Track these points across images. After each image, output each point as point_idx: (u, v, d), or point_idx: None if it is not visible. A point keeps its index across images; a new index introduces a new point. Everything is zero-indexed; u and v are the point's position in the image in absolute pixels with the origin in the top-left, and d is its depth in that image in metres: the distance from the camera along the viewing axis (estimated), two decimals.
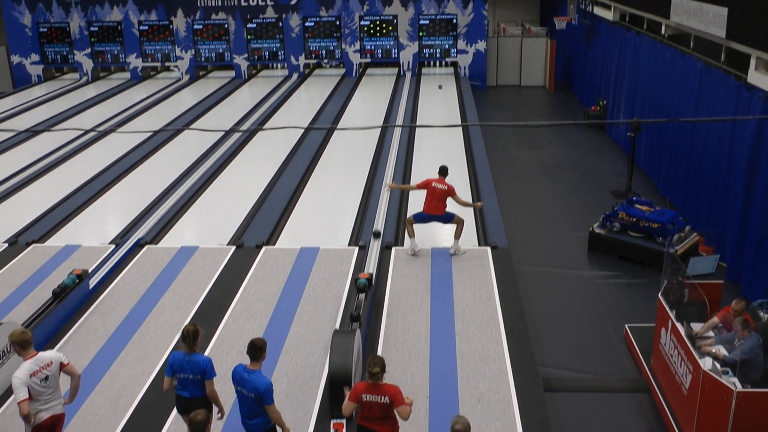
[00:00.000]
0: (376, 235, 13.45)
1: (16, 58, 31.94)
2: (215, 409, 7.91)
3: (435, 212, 13.01)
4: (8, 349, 9.47)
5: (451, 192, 12.96)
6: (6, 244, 14.30)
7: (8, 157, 20.49)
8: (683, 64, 15.82)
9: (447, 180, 13.15)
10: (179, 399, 7.92)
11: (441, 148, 20.12)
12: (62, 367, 7.68)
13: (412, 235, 13.24)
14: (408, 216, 13.64)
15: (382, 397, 7.20)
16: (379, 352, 10.22)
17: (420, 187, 13.23)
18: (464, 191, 16.47)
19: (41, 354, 7.60)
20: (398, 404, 7.21)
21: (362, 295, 11.02)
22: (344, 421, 8.48)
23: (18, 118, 24.72)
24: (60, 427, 7.78)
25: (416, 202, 15.69)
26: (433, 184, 13.00)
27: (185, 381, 7.78)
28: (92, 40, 31.66)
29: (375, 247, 13.51)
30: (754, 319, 9.25)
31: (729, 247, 13.00)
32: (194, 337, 7.72)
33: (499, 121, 24.48)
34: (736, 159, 12.93)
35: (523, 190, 17.75)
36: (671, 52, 16.70)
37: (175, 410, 8.98)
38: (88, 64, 32.00)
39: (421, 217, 13.19)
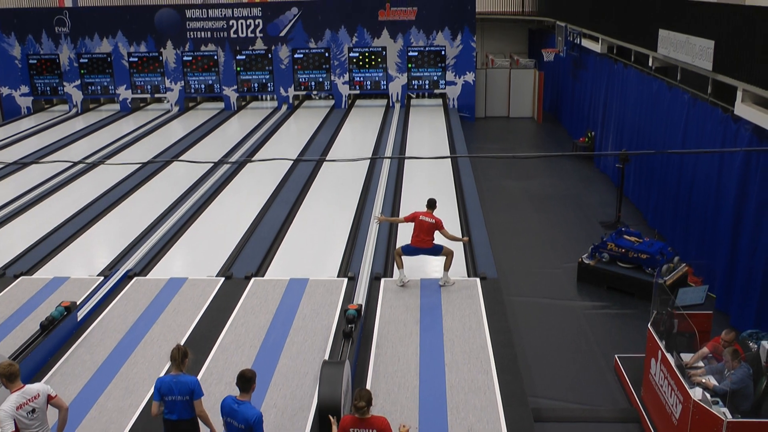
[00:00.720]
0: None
1: (5, 90, 31.96)
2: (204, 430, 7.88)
3: (423, 245, 12.96)
4: None
5: (438, 225, 12.88)
6: None
7: None
8: (670, 96, 16.00)
9: (435, 213, 13.13)
10: (166, 423, 7.94)
11: (430, 179, 20.18)
12: (50, 399, 7.61)
13: (400, 266, 13.21)
14: (396, 248, 13.61)
15: (370, 431, 7.17)
16: (369, 383, 10.18)
17: (407, 220, 13.21)
18: (453, 222, 16.50)
19: (28, 386, 7.53)
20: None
21: (351, 326, 10.98)
22: None
23: (7, 150, 24.68)
24: None
25: (405, 233, 15.73)
26: (421, 217, 12.94)
27: (173, 403, 7.80)
28: (82, 71, 31.76)
29: (364, 280, 13.50)
30: (744, 350, 9.26)
31: (718, 278, 13.05)
32: (183, 357, 7.84)
33: (487, 153, 24.61)
34: (724, 190, 13.02)
35: (512, 221, 17.81)
36: (658, 84, 16.89)
37: None
38: (77, 96, 32.06)
39: (409, 250, 13.14)
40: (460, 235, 14.14)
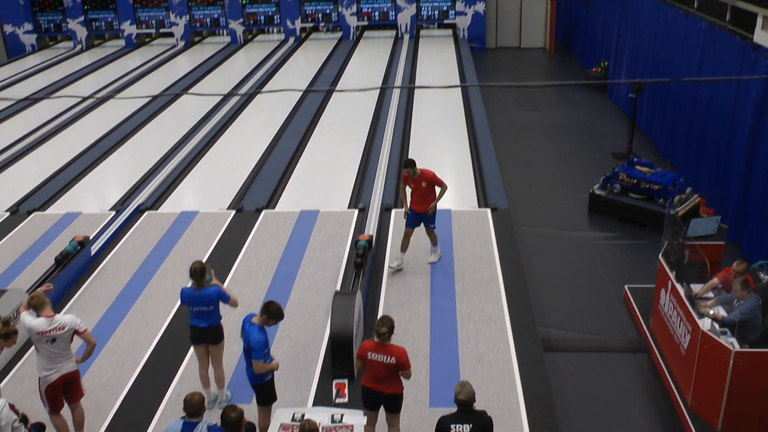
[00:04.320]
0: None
1: (8, 28, 31.59)
2: None
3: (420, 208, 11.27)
4: (14, 315, 9.48)
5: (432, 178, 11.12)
6: (7, 213, 14.32)
7: (6, 127, 20.41)
8: (687, 24, 15.67)
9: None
10: (193, 329, 8.31)
11: (440, 110, 20.04)
12: (78, 333, 7.70)
13: (404, 249, 11.55)
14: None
15: (388, 357, 7.21)
16: (380, 314, 10.27)
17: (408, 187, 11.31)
18: (464, 153, 16.47)
19: (57, 316, 7.64)
20: (405, 368, 7.28)
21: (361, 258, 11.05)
22: (346, 381, 8.56)
23: (13, 88, 24.56)
24: (74, 385, 7.84)
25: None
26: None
27: (198, 313, 8.20)
28: (85, 7, 31.30)
29: (374, 211, 13.50)
30: (755, 281, 9.26)
31: (730, 209, 12.98)
32: (201, 273, 8.13)
33: (498, 83, 24.34)
34: (739, 120, 12.85)
35: (523, 152, 17.70)
36: (675, 12, 16.53)
37: (179, 374, 9.14)
38: (81, 32, 31.66)
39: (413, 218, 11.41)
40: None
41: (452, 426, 6.53)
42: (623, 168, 13.90)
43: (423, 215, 11.28)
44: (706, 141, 14.34)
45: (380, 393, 7.41)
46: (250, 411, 7.92)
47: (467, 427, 6.55)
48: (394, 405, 7.51)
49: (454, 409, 6.65)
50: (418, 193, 11.18)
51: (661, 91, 17.28)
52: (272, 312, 7.49)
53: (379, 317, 7.50)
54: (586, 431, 8.33)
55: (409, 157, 15.98)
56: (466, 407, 6.57)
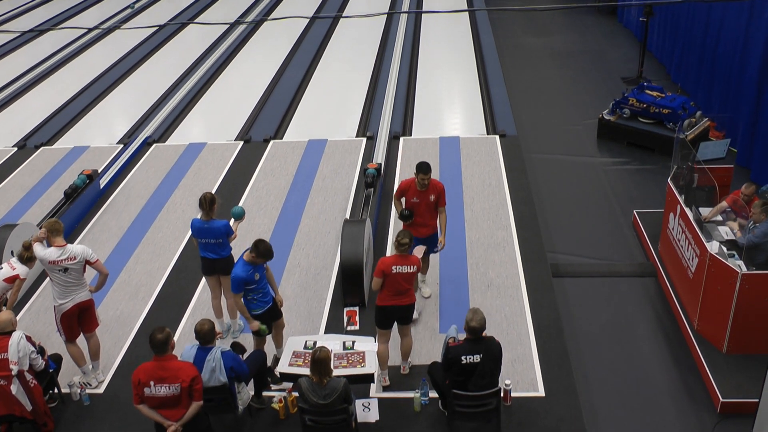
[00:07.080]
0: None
1: None
2: None
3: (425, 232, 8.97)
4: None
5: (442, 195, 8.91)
6: (15, 148, 14.35)
7: (9, 61, 20.30)
8: None
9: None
10: (204, 260, 8.39)
11: (448, 38, 19.76)
12: (90, 264, 7.77)
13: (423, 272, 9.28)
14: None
15: (411, 267, 7.37)
16: (389, 242, 10.35)
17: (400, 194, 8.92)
18: (472, 80, 16.31)
19: (69, 246, 7.68)
20: (419, 270, 7.60)
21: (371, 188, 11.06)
22: (357, 309, 8.67)
23: (15, 21, 24.31)
24: (89, 314, 7.94)
25: (422, 99, 15.58)
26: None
27: (206, 245, 8.24)
28: None
29: (382, 139, 13.46)
30: (762, 203, 9.23)
31: (740, 132, 12.87)
32: (210, 203, 8.11)
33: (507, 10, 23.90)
34: (752, 41, 12.61)
35: (532, 78, 17.49)
36: None
37: (192, 304, 9.27)
38: None
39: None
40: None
41: (463, 357, 6.61)
42: (633, 92, 13.75)
43: (427, 239, 8.83)
44: (718, 64, 14.13)
45: (400, 306, 7.50)
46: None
47: (477, 357, 6.63)
48: (408, 315, 7.65)
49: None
50: (421, 211, 8.71)
51: (673, 13, 16.96)
52: (261, 251, 7.35)
53: (398, 233, 7.48)
54: (594, 355, 8.44)
55: (416, 86, 15.86)
56: (476, 335, 6.63)
